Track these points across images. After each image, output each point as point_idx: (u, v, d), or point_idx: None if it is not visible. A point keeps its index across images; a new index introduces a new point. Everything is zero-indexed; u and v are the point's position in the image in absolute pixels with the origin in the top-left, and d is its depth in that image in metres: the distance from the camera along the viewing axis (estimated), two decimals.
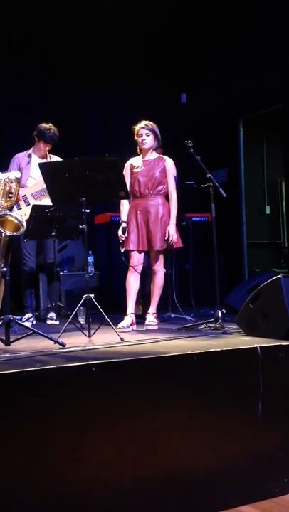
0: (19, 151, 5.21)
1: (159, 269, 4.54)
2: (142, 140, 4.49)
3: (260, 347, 2.96)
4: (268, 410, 2.90)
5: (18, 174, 3.61)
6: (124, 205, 4.61)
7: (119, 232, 4.54)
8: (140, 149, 4.59)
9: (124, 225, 4.53)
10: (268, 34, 6.55)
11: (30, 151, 5.12)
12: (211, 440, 2.75)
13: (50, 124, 5.03)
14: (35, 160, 5.04)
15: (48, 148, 5.06)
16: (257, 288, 3.61)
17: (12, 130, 6.68)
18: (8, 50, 6.57)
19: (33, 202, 4.88)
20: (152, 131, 4.49)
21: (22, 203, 4.89)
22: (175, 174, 4.60)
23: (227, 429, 2.81)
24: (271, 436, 2.93)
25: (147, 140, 4.48)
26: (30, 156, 5.08)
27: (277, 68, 6.45)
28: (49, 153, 5.12)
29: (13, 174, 3.59)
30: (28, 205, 4.85)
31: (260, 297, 3.52)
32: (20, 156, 5.10)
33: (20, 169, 4.95)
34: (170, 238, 4.44)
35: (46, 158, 5.08)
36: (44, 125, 5.01)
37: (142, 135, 4.49)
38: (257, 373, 2.90)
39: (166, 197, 4.58)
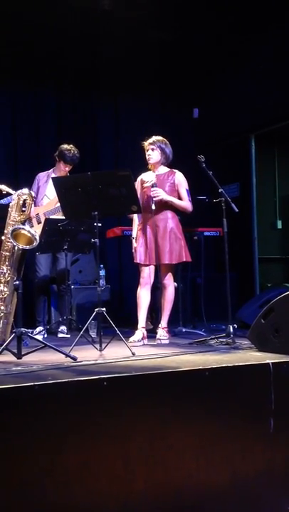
0: (32, 164, 5.26)
1: (169, 283, 4.53)
2: (148, 155, 4.57)
3: (272, 363, 2.95)
4: (280, 426, 2.88)
5: (32, 192, 3.66)
6: (136, 221, 4.67)
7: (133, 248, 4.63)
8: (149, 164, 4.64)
9: (134, 241, 4.62)
10: (281, 48, 6.58)
11: (51, 171, 5.19)
12: (222, 457, 2.73)
13: (72, 146, 5.10)
14: None
15: (67, 169, 5.12)
16: (268, 303, 3.61)
17: (25, 144, 6.72)
18: (22, 65, 6.64)
19: (43, 220, 4.90)
20: (158, 146, 4.53)
21: (34, 221, 4.93)
22: (187, 187, 4.60)
23: (238, 445, 2.79)
24: (283, 453, 2.90)
25: (152, 155, 4.56)
26: (49, 175, 5.11)
27: None
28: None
29: (26, 189, 3.63)
30: (39, 223, 4.88)
31: (271, 313, 3.50)
32: (41, 176, 5.20)
33: (38, 187, 5.07)
34: (156, 191, 4.41)
35: None
36: (65, 146, 5.09)
37: (148, 150, 4.56)
38: (269, 389, 2.89)
39: (175, 211, 4.59)
